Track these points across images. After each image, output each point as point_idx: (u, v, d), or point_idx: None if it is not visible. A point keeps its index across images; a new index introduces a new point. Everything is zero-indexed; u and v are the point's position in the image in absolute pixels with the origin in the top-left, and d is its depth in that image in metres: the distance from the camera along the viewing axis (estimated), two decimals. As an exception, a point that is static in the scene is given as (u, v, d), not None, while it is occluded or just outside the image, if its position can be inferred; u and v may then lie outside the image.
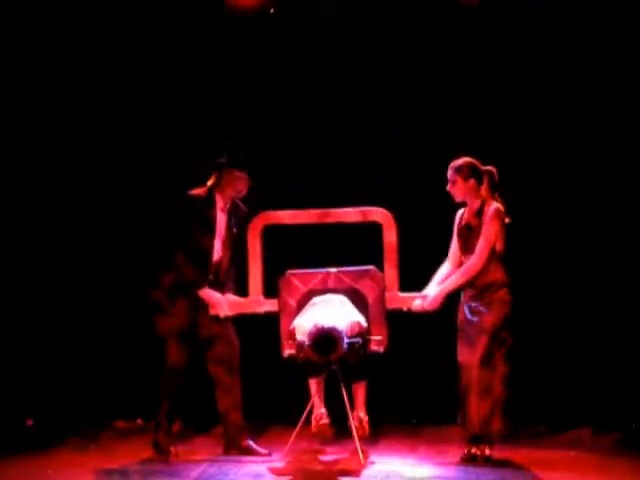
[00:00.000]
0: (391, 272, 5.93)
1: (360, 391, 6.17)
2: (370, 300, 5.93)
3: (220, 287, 6.09)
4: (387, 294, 5.92)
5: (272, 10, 7.31)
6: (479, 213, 5.80)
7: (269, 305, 6.02)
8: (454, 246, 5.96)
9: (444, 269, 5.97)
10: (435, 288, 5.90)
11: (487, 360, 5.69)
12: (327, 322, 5.49)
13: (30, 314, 7.27)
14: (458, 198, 5.89)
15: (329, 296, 5.92)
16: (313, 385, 6.04)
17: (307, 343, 5.46)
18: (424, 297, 5.89)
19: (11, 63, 7.26)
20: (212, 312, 6.00)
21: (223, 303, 6.01)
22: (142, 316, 7.27)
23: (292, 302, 5.97)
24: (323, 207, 6.12)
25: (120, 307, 7.33)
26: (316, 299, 5.91)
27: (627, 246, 6.99)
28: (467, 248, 5.83)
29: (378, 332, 5.88)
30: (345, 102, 7.30)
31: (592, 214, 7.01)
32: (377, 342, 5.84)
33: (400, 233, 5.97)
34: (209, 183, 6.15)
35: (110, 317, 7.34)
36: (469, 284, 5.78)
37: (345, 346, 5.46)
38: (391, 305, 5.94)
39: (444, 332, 6.01)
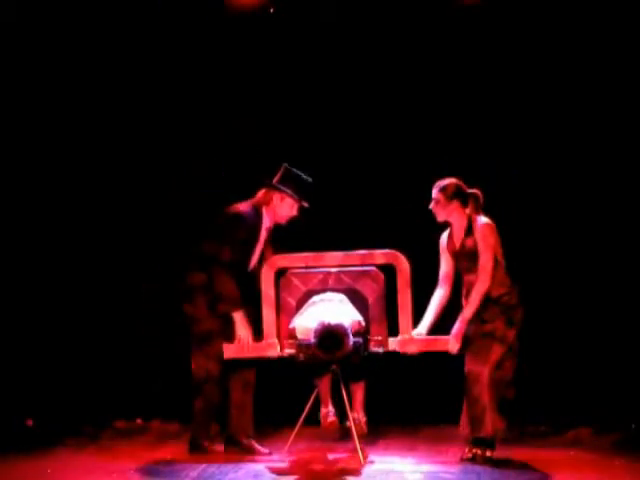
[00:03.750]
0: (405, 316, 5.80)
1: (359, 391, 6.18)
2: (371, 301, 5.91)
3: None
4: (400, 338, 5.82)
5: (272, 10, 7.30)
6: (469, 232, 5.79)
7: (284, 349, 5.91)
8: (445, 268, 5.95)
9: (439, 294, 5.95)
10: (428, 321, 5.87)
11: (499, 367, 5.71)
12: (333, 319, 5.50)
13: (30, 314, 7.27)
14: (440, 218, 5.87)
15: (329, 294, 5.91)
16: (322, 384, 6.06)
17: (313, 340, 5.47)
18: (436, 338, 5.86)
19: (16, 68, 7.28)
20: (227, 354, 5.87)
21: (246, 340, 5.87)
22: (142, 316, 7.34)
23: (291, 301, 5.96)
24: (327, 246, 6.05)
25: (120, 307, 7.33)
26: (315, 298, 5.90)
27: (624, 247, 6.98)
28: (469, 268, 5.82)
29: (378, 332, 5.86)
30: (344, 105, 7.30)
31: (587, 218, 7.01)
32: (377, 342, 5.83)
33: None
34: (258, 200, 6.06)
35: (110, 317, 7.33)
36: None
37: (351, 344, 5.48)
38: (404, 349, 5.82)
39: (444, 332, 6.00)
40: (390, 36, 7.23)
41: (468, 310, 5.75)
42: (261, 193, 6.08)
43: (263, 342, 5.89)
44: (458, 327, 5.76)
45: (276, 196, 6.02)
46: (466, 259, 5.83)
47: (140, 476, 5.50)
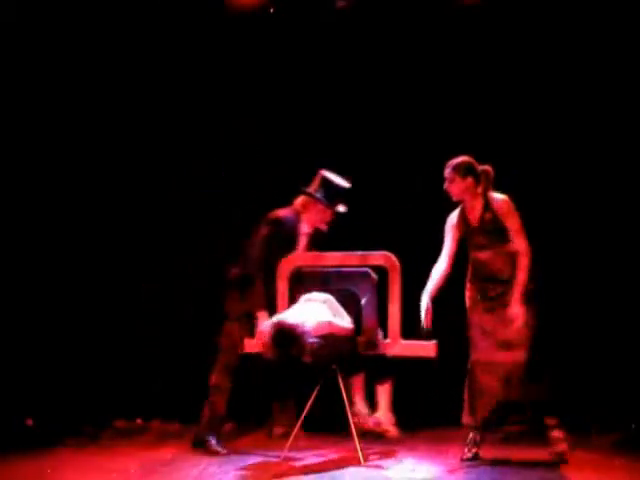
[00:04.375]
0: (394, 319, 5.81)
1: (384, 393, 6.19)
2: (363, 301, 5.93)
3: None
4: (389, 341, 5.83)
5: (272, 10, 7.30)
6: (487, 207, 5.84)
7: None
8: (450, 246, 5.96)
9: (440, 268, 5.96)
10: (430, 290, 5.88)
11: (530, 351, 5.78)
12: (291, 318, 5.54)
13: (30, 314, 7.26)
14: (456, 197, 5.92)
15: (315, 294, 5.92)
16: (356, 387, 6.16)
17: (267, 337, 5.51)
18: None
19: (16, 68, 7.28)
20: (247, 349, 5.97)
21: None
22: (142, 316, 7.33)
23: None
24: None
25: (120, 307, 7.32)
26: (302, 297, 5.93)
27: (627, 247, 6.97)
28: (484, 245, 5.85)
29: (369, 334, 5.87)
30: (344, 105, 7.30)
31: (590, 215, 7.00)
32: (368, 344, 5.84)
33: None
34: (296, 206, 6.27)
35: (110, 317, 7.33)
36: (492, 280, 5.81)
37: (306, 343, 5.48)
38: (392, 352, 5.83)
39: (445, 332, 6.01)
40: (390, 36, 7.24)
41: (517, 288, 5.76)
42: (298, 200, 6.30)
43: None
44: (517, 295, 5.76)
45: (311, 203, 6.23)
46: (483, 234, 5.86)
47: (140, 476, 5.50)
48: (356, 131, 7.28)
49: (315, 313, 5.72)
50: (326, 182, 6.22)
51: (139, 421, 7.18)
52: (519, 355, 5.76)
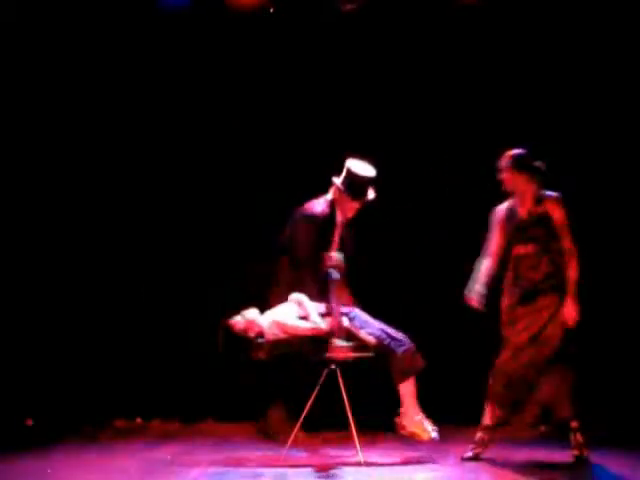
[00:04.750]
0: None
1: (408, 390, 6.04)
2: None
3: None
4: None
5: (272, 10, 7.30)
6: (538, 202, 5.87)
7: None
8: (496, 242, 5.97)
9: (487, 264, 5.96)
10: (483, 287, 5.89)
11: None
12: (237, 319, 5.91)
13: (30, 314, 7.26)
14: (509, 188, 5.94)
15: (294, 295, 6.05)
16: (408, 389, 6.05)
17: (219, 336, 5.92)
18: None
19: (24, 69, 7.31)
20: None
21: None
22: (141, 316, 7.33)
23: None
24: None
25: (120, 307, 7.32)
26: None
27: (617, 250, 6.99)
28: (529, 238, 5.86)
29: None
30: (343, 105, 7.30)
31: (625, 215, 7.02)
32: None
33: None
34: (330, 197, 6.30)
35: (110, 317, 7.33)
36: (532, 276, 5.82)
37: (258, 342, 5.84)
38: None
39: (446, 332, 6.01)
40: (390, 36, 7.24)
41: (571, 286, 5.78)
42: (331, 190, 6.32)
43: None
44: (570, 294, 5.78)
45: (339, 192, 6.24)
46: (530, 229, 5.87)
47: (140, 476, 5.49)
48: (356, 132, 7.29)
49: (278, 313, 5.92)
50: (351, 173, 6.21)
51: (139, 421, 7.19)
52: (549, 352, 5.77)
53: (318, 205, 6.26)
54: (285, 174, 7.26)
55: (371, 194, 6.25)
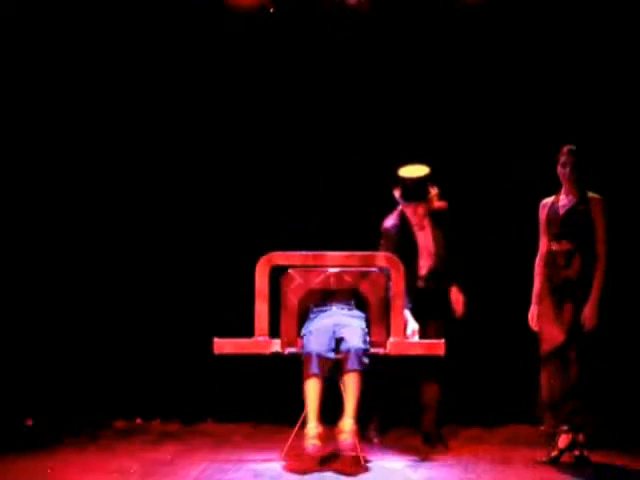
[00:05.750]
0: (397, 318, 5.86)
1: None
2: (371, 302, 5.96)
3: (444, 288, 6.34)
4: (392, 340, 5.85)
5: (272, 10, 7.30)
6: (584, 201, 5.91)
7: (276, 346, 5.93)
8: (545, 242, 6.03)
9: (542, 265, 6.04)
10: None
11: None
12: None
13: (30, 314, 7.26)
14: (564, 181, 5.97)
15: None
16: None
17: None
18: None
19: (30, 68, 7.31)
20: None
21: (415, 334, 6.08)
22: (141, 316, 7.33)
23: (293, 299, 5.97)
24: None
25: (120, 307, 7.32)
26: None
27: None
28: (565, 234, 5.90)
29: (378, 334, 5.90)
30: (343, 105, 7.30)
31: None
32: (377, 344, 5.87)
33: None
34: (399, 207, 6.42)
35: (110, 317, 7.33)
36: (564, 274, 5.88)
37: None
38: (395, 352, 5.85)
39: (449, 333, 6.02)
40: (390, 36, 7.24)
41: (595, 292, 5.82)
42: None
43: (253, 339, 5.88)
44: (593, 299, 5.82)
45: (399, 200, 6.37)
46: (568, 226, 5.90)
47: (140, 476, 5.49)
48: (356, 132, 7.29)
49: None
50: (401, 177, 6.30)
51: (139, 421, 7.18)
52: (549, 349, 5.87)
53: (389, 219, 6.42)
54: (285, 178, 7.27)
55: (432, 191, 6.32)
